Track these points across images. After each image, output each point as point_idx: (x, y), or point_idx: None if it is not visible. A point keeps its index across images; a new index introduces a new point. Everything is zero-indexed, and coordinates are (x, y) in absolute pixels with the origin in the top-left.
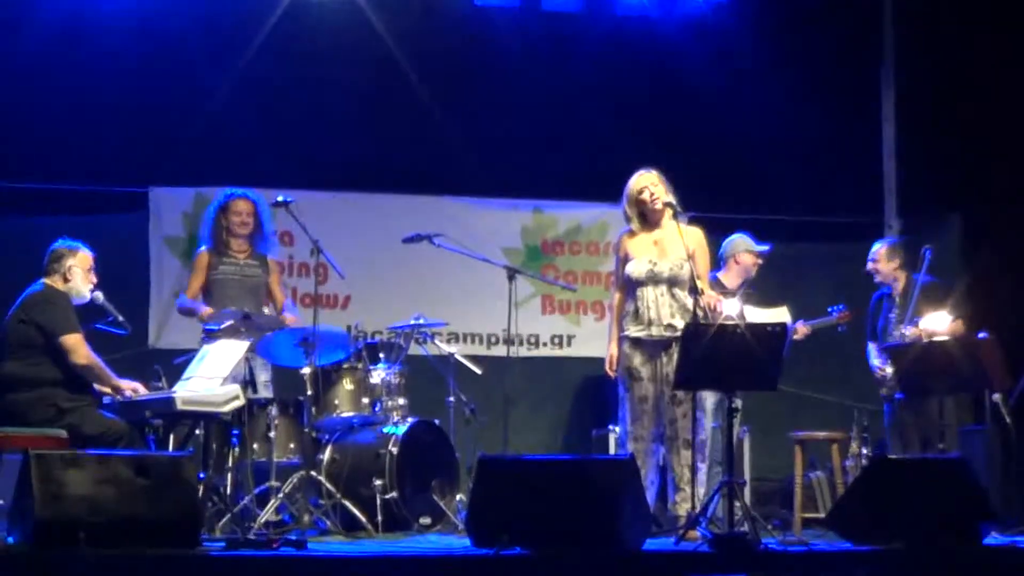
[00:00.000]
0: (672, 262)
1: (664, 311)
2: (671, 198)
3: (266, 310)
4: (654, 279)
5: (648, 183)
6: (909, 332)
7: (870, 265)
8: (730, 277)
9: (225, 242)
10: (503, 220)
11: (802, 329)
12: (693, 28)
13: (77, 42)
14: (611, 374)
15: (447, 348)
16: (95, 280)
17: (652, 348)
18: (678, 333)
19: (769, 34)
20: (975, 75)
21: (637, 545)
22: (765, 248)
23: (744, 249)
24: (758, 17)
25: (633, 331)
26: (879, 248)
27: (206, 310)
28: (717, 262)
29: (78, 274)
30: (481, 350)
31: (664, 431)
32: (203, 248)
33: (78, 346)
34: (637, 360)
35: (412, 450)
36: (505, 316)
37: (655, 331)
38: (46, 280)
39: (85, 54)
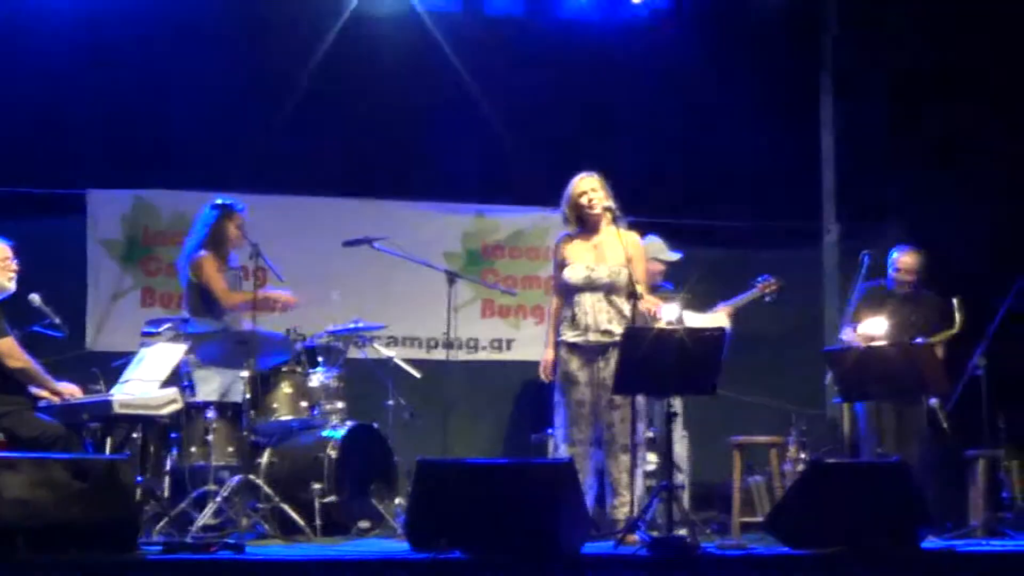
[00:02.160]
0: (610, 268)
1: (601, 317)
2: (610, 203)
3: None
4: (591, 285)
5: (588, 187)
6: (847, 337)
7: (903, 274)
8: None
9: (223, 250)
10: (444, 224)
11: (723, 310)
12: (634, 33)
13: (13, 43)
14: (546, 379)
15: (386, 351)
16: (15, 269)
17: (589, 353)
18: (615, 338)
19: (709, 40)
20: (913, 81)
21: (576, 549)
22: (675, 256)
23: (651, 256)
24: (698, 23)
25: (570, 336)
26: (913, 258)
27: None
28: None
29: (3, 271)
30: (420, 354)
31: (602, 435)
32: (205, 253)
33: (11, 349)
34: (574, 364)
35: (351, 454)
36: (444, 320)
37: (592, 337)
38: None
39: (23, 55)
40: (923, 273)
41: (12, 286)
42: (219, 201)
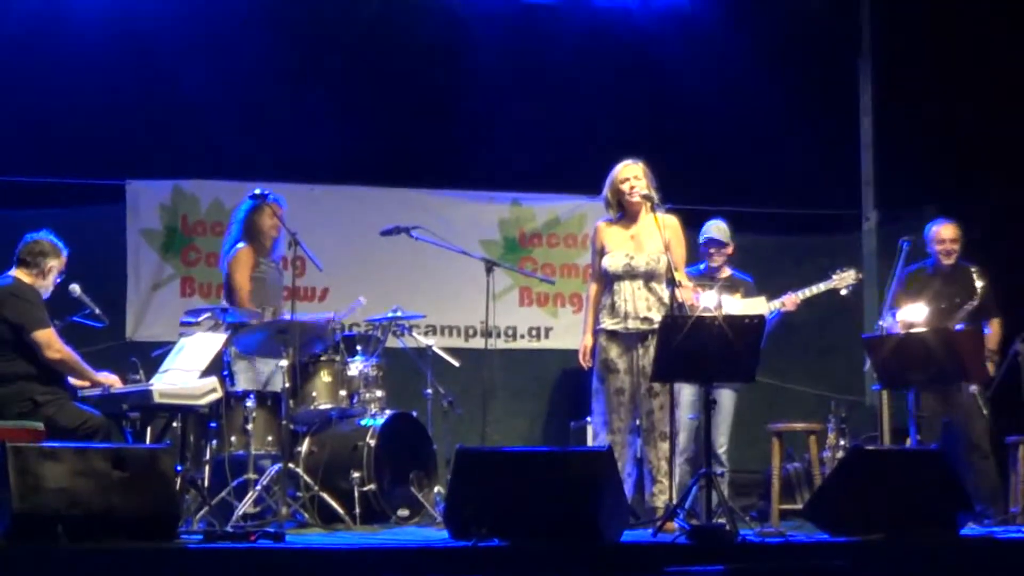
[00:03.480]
0: (649, 256)
1: (640, 304)
2: (650, 192)
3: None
4: (631, 273)
5: (631, 175)
6: (887, 323)
7: (950, 244)
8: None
9: (261, 242)
10: (481, 212)
11: (791, 299)
12: (672, 20)
13: (54, 34)
14: (585, 365)
15: (425, 340)
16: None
17: (628, 340)
18: (654, 326)
19: (748, 26)
20: (952, 67)
21: (615, 537)
22: (714, 237)
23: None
24: (737, 9)
25: (609, 324)
26: (949, 229)
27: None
28: (698, 253)
29: (53, 275)
30: (459, 342)
31: (641, 423)
32: (243, 245)
33: (51, 340)
34: (613, 352)
35: (390, 442)
36: (483, 308)
37: (631, 324)
38: (17, 273)
39: (62, 46)
40: (962, 243)
41: (48, 293)
42: (256, 191)
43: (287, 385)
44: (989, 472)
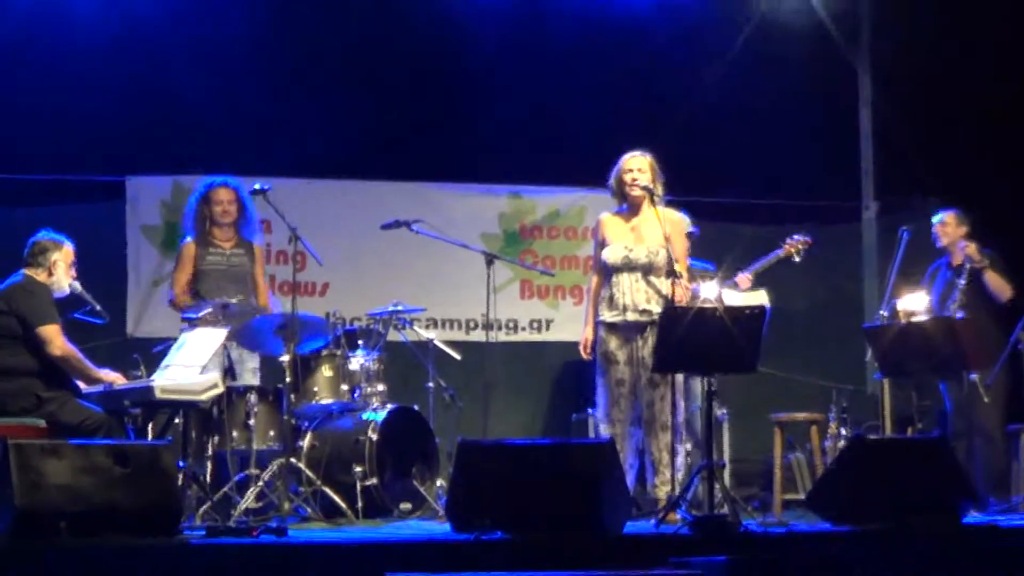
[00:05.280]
0: (648, 248)
1: (639, 297)
2: (652, 185)
3: (252, 299)
4: (629, 266)
5: (635, 167)
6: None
7: (937, 228)
8: None
9: (209, 232)
10: (481, 205)
11: (743, 278)
12: (671, 12)
13: (54, 32)
14: (585, 356)
15: (426, 334)
16: (75, 275)
17: (627, 332)
18: (653, 318)
19: (746, 17)
20: (951, 58)
21: (618, 528)
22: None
23: None
24: (737, 3)
25: (608, 316)
26: (946, 214)
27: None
28: None
29: (61, 268)
30: (460, 336)
31: (642, 414)
32: (188, 239)
33: (55, 337)
34: (613, 344)
35: (392, 436)
36: (484, 301)
37: (630, 316)
38: (27, 272)
39: (61, 43)
40: (968, 229)
41: (68, 289)
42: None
43: (289, 380)
44: (990, 457)
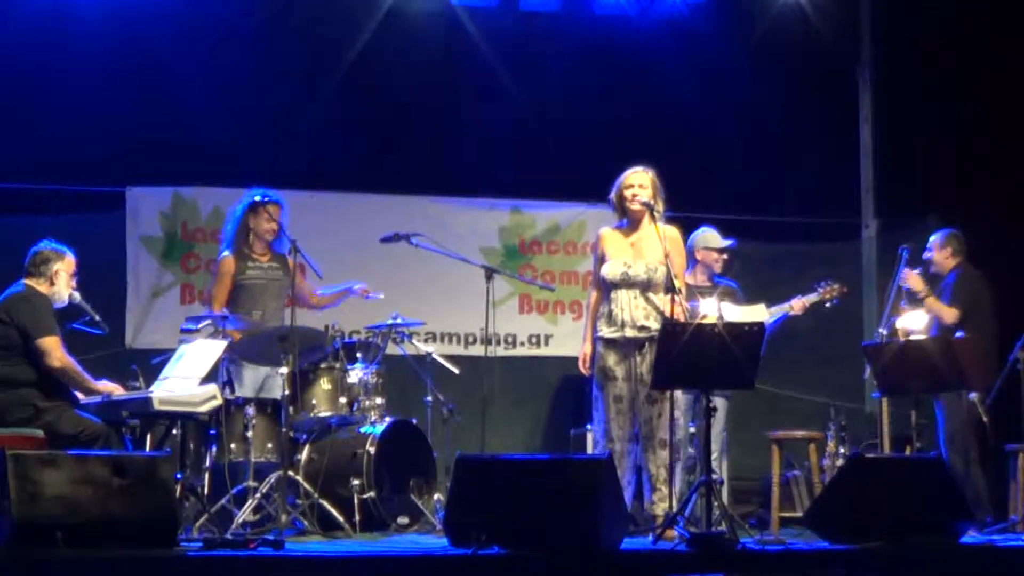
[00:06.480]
0: (647, 264)
1: (638, 313)
2: (652, 201)
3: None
4: (628, 282)
5: (636, 182)
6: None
7: (927, 255)
8: (695, 275)
9: (250, 245)
10: (481, 220)
11: (799, 303)
12: (671, 28)
13: (55, 42)
14: (585, 372)
15: (425, 348)
16: (76, 285)
17: (626, 347)
18: (652, 334)
19: (747, 34)
20: (951, 75)
21: (615, 545)
22: (729, 243)
23: (703, 246)
24: (736, 17)
25: (606, 332)
26: (935, 238)
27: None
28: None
29: (63, 279)
30: (459, 350)
31: (640, 430)
32: (226, 253)
33: (54, 348)
34: (611, 360)
35: (390, 450)
36: (483, 316)
37: (628, 332)
38: (28, 282)
39: (62, 53)
40: (958, 250)
41: (68, 300)
42: (256, 198)
43: (287, 392)
44: (973, 478)
